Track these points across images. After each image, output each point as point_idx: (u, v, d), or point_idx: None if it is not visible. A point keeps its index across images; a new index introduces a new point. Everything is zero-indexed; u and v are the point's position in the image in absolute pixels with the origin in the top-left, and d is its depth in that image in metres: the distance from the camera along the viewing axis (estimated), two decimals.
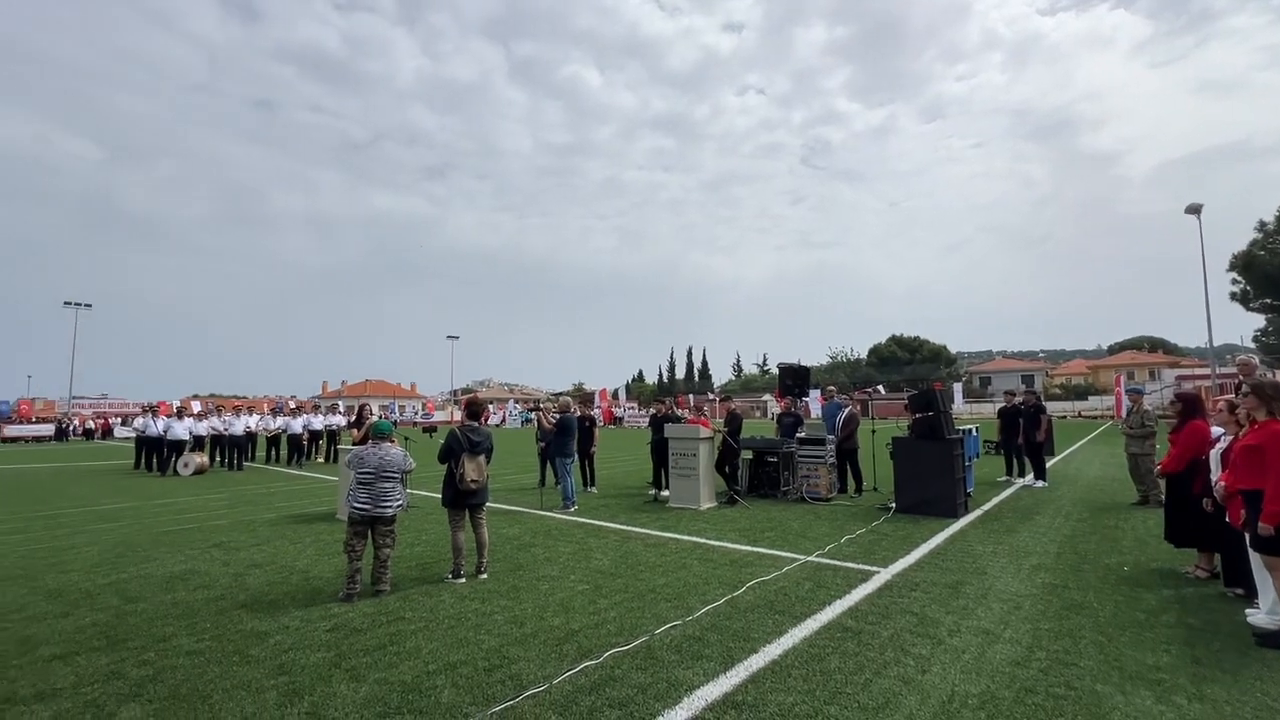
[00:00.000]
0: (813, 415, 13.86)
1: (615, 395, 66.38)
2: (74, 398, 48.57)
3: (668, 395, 19.66)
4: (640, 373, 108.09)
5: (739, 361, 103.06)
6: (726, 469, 9.57)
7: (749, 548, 6.49)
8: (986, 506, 8.83)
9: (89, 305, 47.47)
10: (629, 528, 7.67)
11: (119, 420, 41.13)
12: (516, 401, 65.85)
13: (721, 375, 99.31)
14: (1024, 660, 3.66)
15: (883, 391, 13.08)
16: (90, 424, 40.78)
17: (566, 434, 9.28)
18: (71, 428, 39.48)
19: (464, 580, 5.33)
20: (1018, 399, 11.71)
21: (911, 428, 8.71)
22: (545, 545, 6.73)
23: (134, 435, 18.24)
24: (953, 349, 75.04)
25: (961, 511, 8.09)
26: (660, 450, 10.07)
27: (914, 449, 8.45)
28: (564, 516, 8.50)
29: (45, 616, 4.64)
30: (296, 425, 17.66)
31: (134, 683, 3.46)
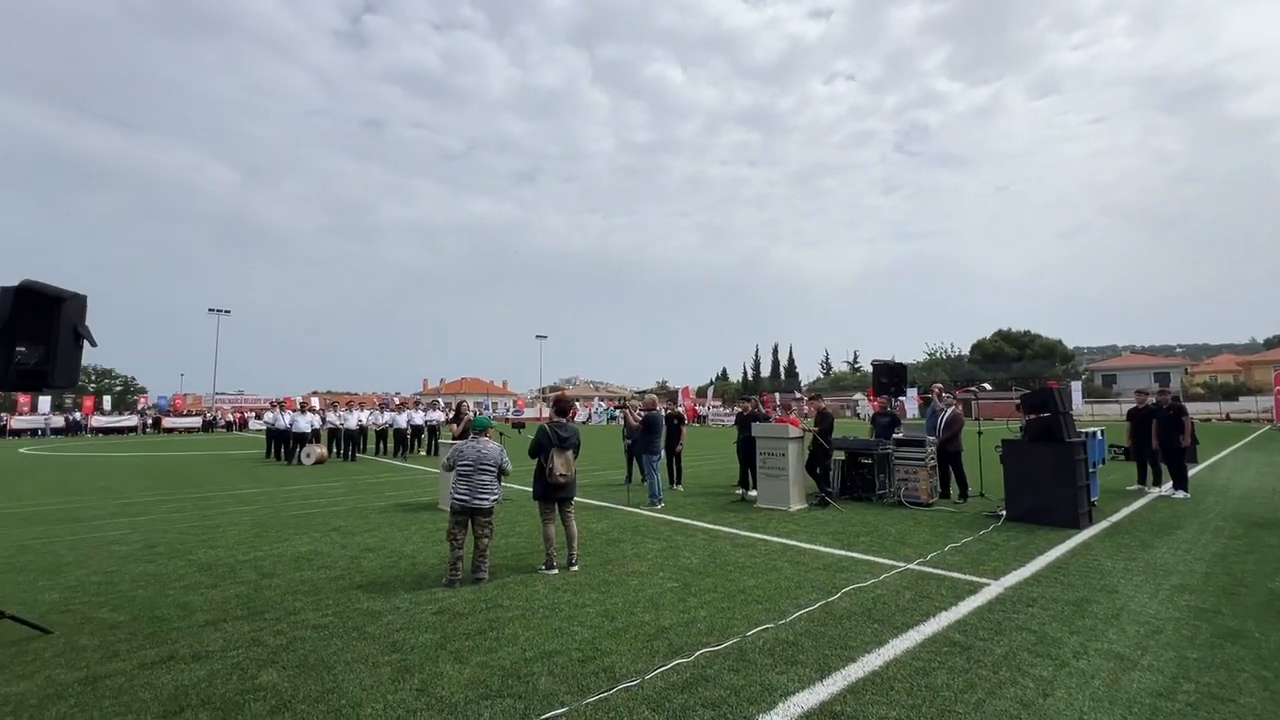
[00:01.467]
0: (908, 415, 13.12)
1: (699, 393, 66.07)
2: (216, 394, 54.74)
3: (753, 393, 19.27)
4: (724, 370, 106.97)
5: (827, 359, 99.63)
6: (818, 470, 9.26)
7: (843, 552, 6.24)
8: (1115, 518, 7.99)
9: (228, 311, 53.46)
10: (717, 527, 7.60)
11: (253, 414, 45.91)
12: (601, 399, 67.15)
13: (808, 373, 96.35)
14: (1168, 692, 3.26)
15: (988, 389, 12.15)
16: (230, 417, 45.81)
17: (653, 431, 9.33)
18: (215, 420, 44.55)
19: (556, 572, 5.50)
20: (1151, 399, 10.50)
21: (1024, 429, 8.04)
22: (633, 541, 6.81)
23: (265, 428, 20.30)
24: (1069, 344, 68.47)
25: (1085, 522, 7.36)
26: (747, 449, 9.91)
27: (1028, 452, 7.79)
28: (651, 513, 8.56)
29: (198, 586, 5.25)
30: (401, 420, 18.95)
31: (271, 650, 3.84)
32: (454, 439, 9.98)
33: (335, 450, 18.07)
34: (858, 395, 66.99)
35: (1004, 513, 7.83)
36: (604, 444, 22.60)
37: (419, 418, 19.56)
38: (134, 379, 63.54)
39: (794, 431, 8.94)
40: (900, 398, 14.31)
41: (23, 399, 39.08)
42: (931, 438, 9.33)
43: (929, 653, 3.73)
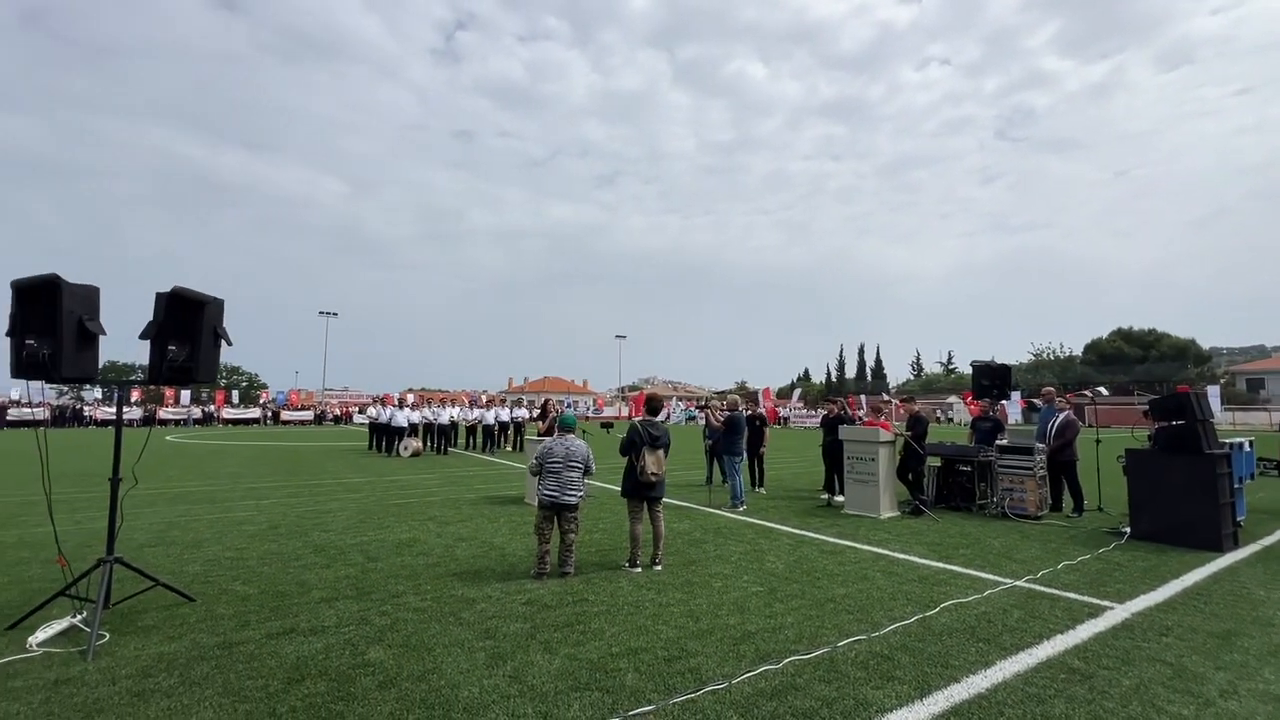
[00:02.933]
0: (1010, 420, 12.17)
1: (781, 394, 64.57)
2: (326, 389, 59.57)
3: (837, 395, 18.63)
4: (806, 371, 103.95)
5: (918, 359, 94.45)
6: (910, 476, 8.79)
7: (940, 564, 5.88)
8: (1267, 541, 7.04)
9: (336, 314, 58.00)
10: (802, 532, 7.39)
11: (357, 409, 49.54)
12: (680, 399, 67.12)
13: (897, 374, 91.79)
14: None
15: (1105, 393, 11.06)
16: (337, 411, 49.68)
17: (735, 432, 9.21)
18: (325, 414, 48.46)
19: (640, 570, 5.53)
20: None
21: (1154, 438, 7.25)
22: (716, 543, 6.74)
23: (368, 422, 21.84)
24: (1204, 344, 61.05)
25: (1229, 544, 6.53)
26: (833, 453, 9.56)
27: (1157, 464, 7.01)
28: (733, 515, 8.44)
29: (314, 566, 5.71)
30: (489, 417, 19.80)
31: (377, 629, 4.11)
32: (540, 435, 10.30)
33: (429, 444, 19.14)
34: (952, 398, 63.08)
35: (1128, 530, 7.09)
36: (682, 444, 22.56)
37: (505, 415, 20.36)
38: (257, 375, 70.24)
39: (884, 435, 8.53)
40: (1002, 402, 13.33)
41: (169, 392, 44.22)
42: (1041, 445, 8.61)
43: (1044, 678, 3.43)
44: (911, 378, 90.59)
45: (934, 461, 9.32)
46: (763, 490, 10.64)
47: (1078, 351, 64.48)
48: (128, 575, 4.72)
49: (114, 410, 39.11)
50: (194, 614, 4.39)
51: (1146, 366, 55.65)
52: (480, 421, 20.05)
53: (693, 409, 57.72)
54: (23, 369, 4.00)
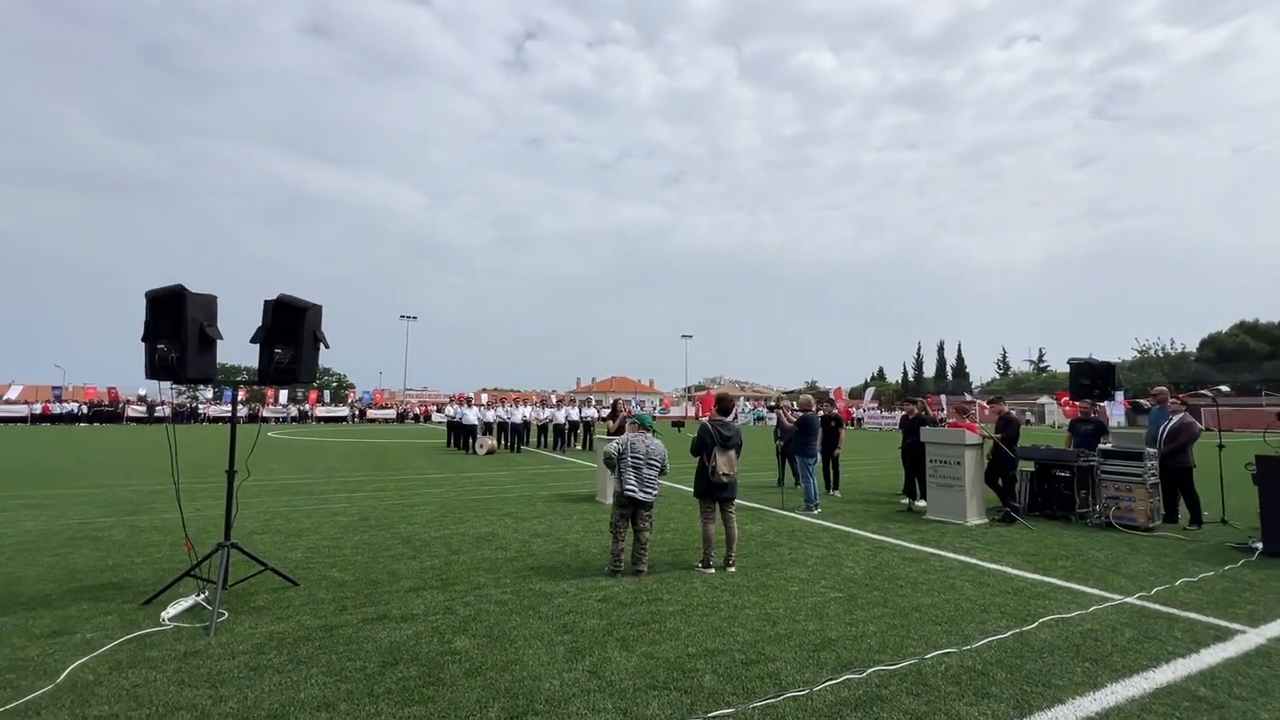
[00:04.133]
0: (1112, 422, 11.21)
1: (854, 394, 62.39)
2: (406, 389, 62.78)
3: (916, 395, 17.87)
4: (880, 370, 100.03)
5: (1004, 357, 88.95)
6: (1000, 481, 8.28)
7: (1036, 576, 5.50)
8: None
9: (415, 317, 61.05)
10: (881, 537, 7.10)
11: (435, 408, 51.91)
12: (747, 399, 66.17)
13: (981, 373, 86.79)
14: None
15: (1227, 392, 9.98)
16: (417, 410, 52.26)
17: (809, 433, 8.97)
18: (406, 413, 51.10)
19: (713, 571, 5.49)
20: None
21: None
22: (790, 546, 6.59)
23: (446, 420, 22.82)
24: None
25: None
26: (913, 456, 9.14)
27: None
28: (807, 518, 8.23)
29: (401, 556, 6.02)
30: (560, 416, 20.25)
31: (462, 619, 4.28)
32: (608, 435, 10.42)
33: (504, 442, 19.79)
34: (1043, 399, 58.93)
35: (1259, 545, 6.38)
36: (752, 444, 22.23)
37: (575, 414, 20.75)
38: (345, 376, 74.97)
39: (971, 438, 8.07)
40: (1104, 402, 12.32)
41: (269, 392, 47.94)
42: (1152, 449, 7.89)
43: (1164, 705, 3.14)
44: (997, 377, 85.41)
45: (1026, 466, 8.74)
46: (838, 493, 10.32)
47: (1191, 347, 58.71)
48: (240, 559, 5.14)
49: (224, 408, 42.84)
50: (298, 597, 4.73)
51: (1276, 363, 49.84)
52: (551, 421, 20.54)
53: (761, 409, 56.76)
54: (155, 371, 4.44)
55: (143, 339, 4.46)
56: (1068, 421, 11.59)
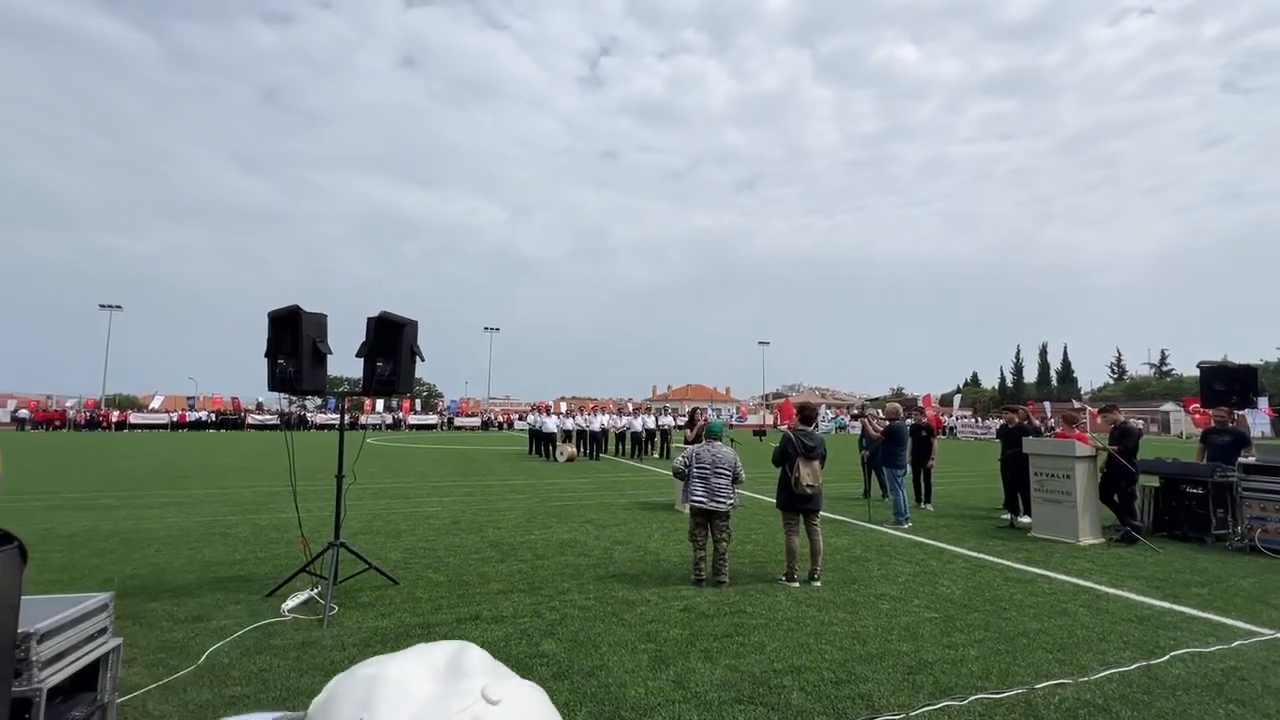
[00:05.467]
0: (1254, 432, 9.95)
1: (943, 401, 58.92)
2: (490, 398, 65.45)
3: (1016, 401, 16.60)
4: (974, 375, 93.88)
5: (1119, 360, 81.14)
6: (1117, 497, 7.55)
7: (1165, 604, 4.97)
8: None
9: (498, 328, 63.67)
10: (980, 555, 6.66)
11: (517, 416, 53.78)
12: (828, 407, 64.02)
13: (1091, 378, 79.54)
14: None
15: None
16: (500, 418, 54.34)
17: (897, 443, 8.57)
18: (490, 420, 53.27)
19: (798, 585, 5.35)
20: None
21: None
22: (880, 561, 6.31)
23: (527, 428, 23.60)
24: None
25: None
26: (1015, 467, 8.52)
27: None
28: (897, 533, 7.85)
29: (490, 560, 6.28)
30: (637, 424, 20.43)
31: (548, 623, 4.41)
32: (687, 443, 10.41)
33: (583, 450, 20.19)
34: (1167, 405, 53.21)
35: None
36: (835, 454, 21.47)
37: (651, 422, 20.86)
38: (434, 385, 79.18)
39: (1082, 449, 7.43)
40: (1244, 410, 10.97)
41: (368, 401, 51.44)
42: None
43: None
44: (1111, 381, 78.04)
45: (1149, 481, 7.93)
46: (930, 507, 9.77)
47: None
48: (347, 557, 5.54)
49: (329, 416, 46.34)
50: (398, 595, 5.04)
51: None
52: (628, 429, 20.75)
53: (843, 417, 54.73)
54: (275, 384, 4.89)
55: (265, 355, 4.93)
56: (1199, 432, 10.39)
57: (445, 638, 3.99)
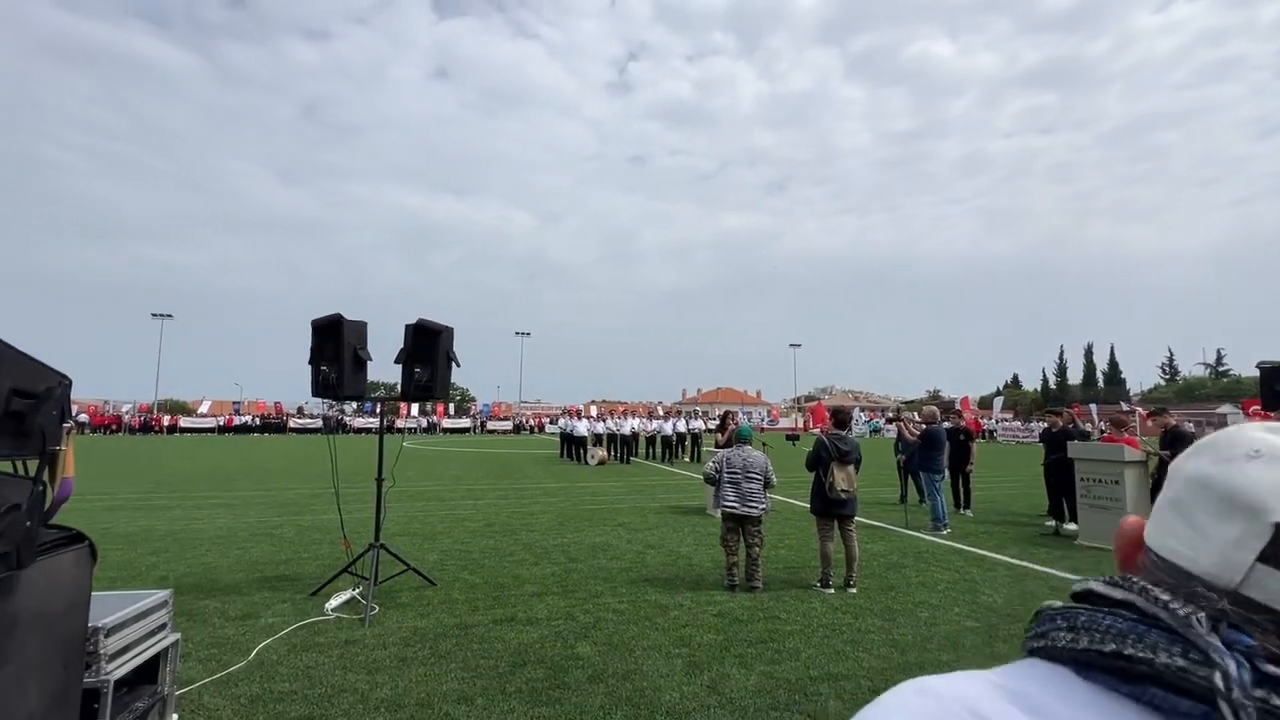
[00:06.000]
0: None
1: (982, 404, 57.27)
2: (522, 401, 66.21)
3: (1060, 404, 16.05)
4: (1015, 377, 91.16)
5: (1171, 360, 77.81)
6: None
7: None
8: None
9: (529, 333, 64.50)
10: (1022, 563, 6.47)
11: (548, 419, 54.30)
12: (862, 409, 62.91)
13: (1141, 378, 76.43)
14: None
15: None
16: (532, 422, 54.93)
17: (934, 447, 8.39)
18: (521, 424, 53.89)
19: (833, 591, 5.28)
20: None
21: None
22: (917, 568, 6.18)
23: (558, 432, 23.80)
24: None
25: None
26: (1059, 472, 8.24)
27: None
28: (935, 539, 7.67)
29: (524, 562, 6.36)
30: (667, 428, 20.41)
31: (582, 625, 4.44)
32: (718, 447, 10.37)
33: (613, 453, 20.27)
34: (1224, 408, 50.72)
35: None
36: (870, 458, 21.08)
37: (682, 426, 20.82)
38: (468, 390, 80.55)
39: (1131, 454, 7.15)
40: None
41: (403, 405, 52.59)
42: None
43: None
44: (1161, 382, 74.88)
45: None
46: (969, 513, 9.53)
47: None
48: (386, 558, 5.68)
49: (366, 420, 47.53)
50: (436, 596, 5.15)
51: None
52: (659, 432, 20.75)
53: (877, 420, 53.70)
54: (319, 390, 5.06)
55: (309, 362, 5.10)
56: None
57: (483, 639, 4.06)
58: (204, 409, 51.37)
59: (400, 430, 48.85)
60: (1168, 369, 77.36)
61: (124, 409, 48.41)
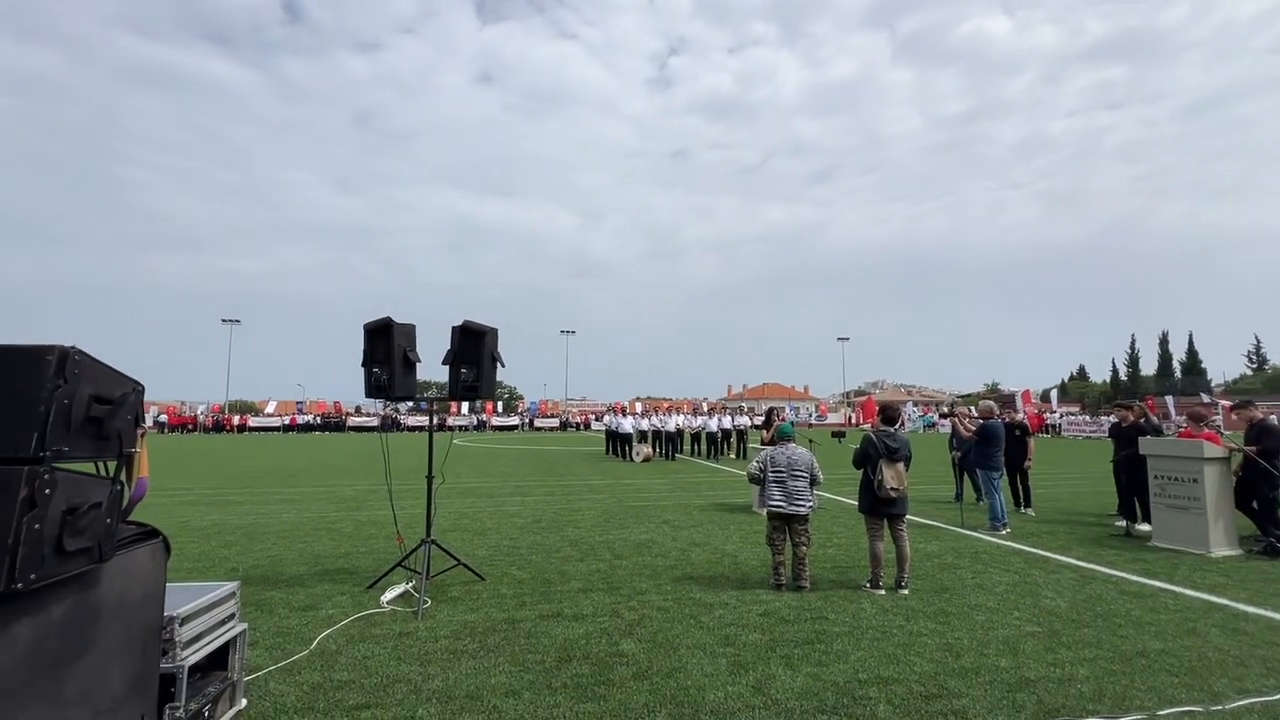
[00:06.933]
0: None
1: (1044, 397, 54.53)
2: (568, 399, 67.05)
3: (1132, 396, 15.12)
4: (1080, 368, 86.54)
5: (1258, 348, 72.28)
6: (1256, 505, 6.74)
7: None
8: None
9: (573, 332, 65.26)
10: (1090, 565, 6.13)
11: (594, 417, 54.83)
12: (915, 404, 60.91)
13: (1224, 368, 71.28)
14: None
15: None
16: (578, 419, 55.57)
17: (991, 444, 8.04)
18: (567, 421, 54.59)
19: (883, 592, 5.14)
20: None
21: None
22: (973, 570, 5.95)
23: (604, 429, 23.99)
24: None
25: None
26: (1131, 469, 7.78)
27: None
28: (992, 539, 7.37)
29: (570, 559, 6.44)
30: (712, 424, 20.29)
31: (627, 623, 4.47)
32: (763, 444, 10.23)
33: (658, 450, 20.30)
34: None
35: None
36: (923, 455, 20.41)
37: (727, 422, 20.65)
38: (515, 388, 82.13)
39: (1212, 450, 6.68)
40: None
41: (454, 404, 54.07)
42: None
43: None
44: (1248, 372, 69.61)
45: None
46: (1030, 511, 9.10)
47: None
48: (437, 553, 5.86)
49: (419, 418, 49.13)
50: (485, 591, 5.28)
51: None
52: (703, 429, 20.66)
53: (931, 415, 51.90)
54: (371, 391, 5.26)
55: (362, 364, 5.30)
56: None
57: (529, 633, 4.15)
58: (270, 409, 54.14)
59: (451, 428, 50.29)
60: (1254, 358, 71.88)
61: (199, 409, 51.54)
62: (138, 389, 2.08)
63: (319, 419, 50.25)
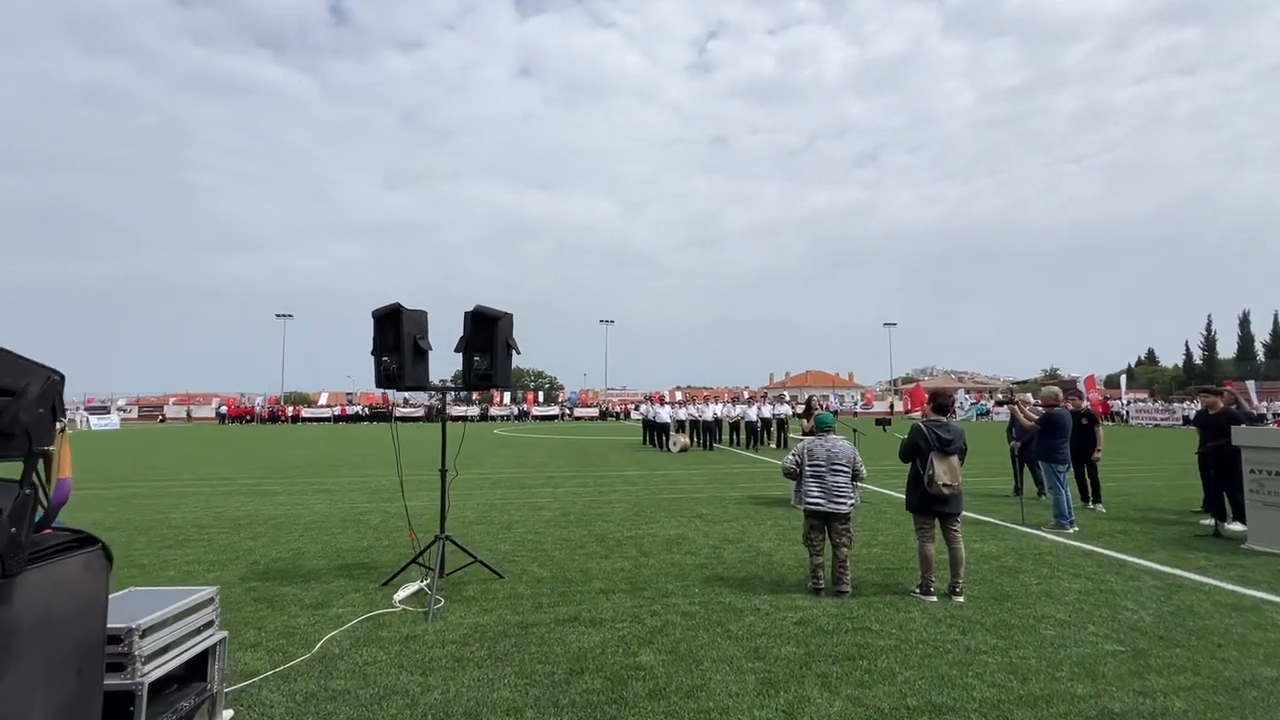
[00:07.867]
0: None
1: (1108, 383, 51.35)
2: (608, 389, 67.09)
3: (1209, 381, 13.77)
4: (1150, 352, 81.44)
5: None
6: None
7: None
8: None
9: (613, 321, 65.13)
10: (1176, 570, 5.44)
11: (632, 406, 54.67)
12: (967, 391, 58.43)
13: None
14: None
15: None
16: (617, 408, 55.55)
17: (1057, 434, 7.31)
18: (607, 411, 54.62)
19: (935, 599, 4.63)
20: None
21: None
22: (1038, 574, 5.35)
23: (641, 418, 23.68)
24: None
25: None
26: (1220, 462, 6.95)
27: None
28: (1058, 538, 6.69)
29: (594, 555, 6.13)
30: (751, 413, 19.70)
31: (648, 630, 4.12)
32: (805, 434, 9.70)
33: (696, 440, 19.86)
34: None
35: None
36: (978, 445, 19.33)
37: (767, 411, 20.03)
38: (556, 378, 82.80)
39: None
40: None
41: (496, 394, 54.79)
42: None
43: None
44: None
45: None
46: (1100, 508, 8.31)
47: None
48: (456, 549, 5.64)
49: (461, 410, 50.00)
50: (502, 590, 5.01)
51: None
52: (742, 418, 20.10)
53: (985, 402, 49.63)
54: (381, 381, 5.03)
55: (371, 353, 5.08)
56: None
57: (542, 640, 3.81)
58: (322, 400, 56.07)
59: (493, 418, 50.99)
60: None
61: (256, 401, 53.81)
62: (53, 378, 1.82)
63: (367, 409, 51.73)
